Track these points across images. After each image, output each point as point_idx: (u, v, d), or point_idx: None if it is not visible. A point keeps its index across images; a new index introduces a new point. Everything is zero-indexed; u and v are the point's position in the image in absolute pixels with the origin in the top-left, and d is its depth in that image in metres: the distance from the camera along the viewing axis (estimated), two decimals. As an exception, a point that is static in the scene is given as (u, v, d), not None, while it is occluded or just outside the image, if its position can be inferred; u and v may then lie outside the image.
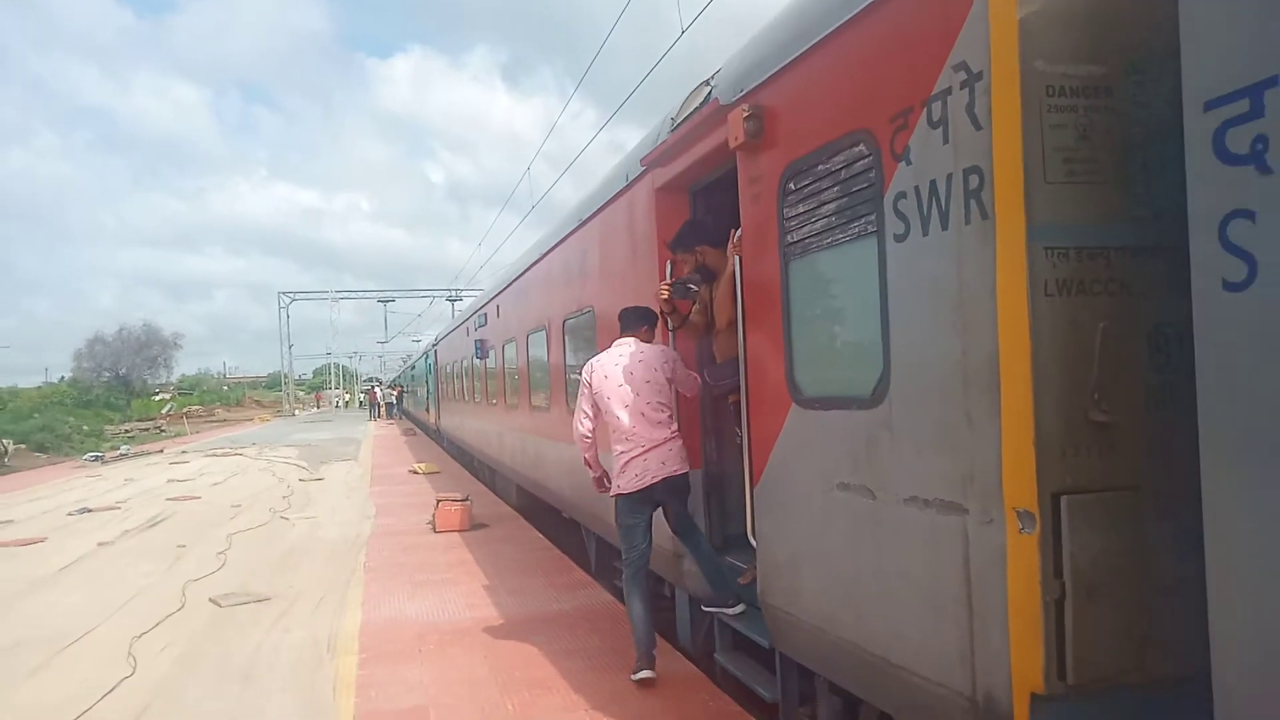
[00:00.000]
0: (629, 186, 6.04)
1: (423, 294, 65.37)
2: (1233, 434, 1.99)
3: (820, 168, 3.53)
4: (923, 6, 2.90)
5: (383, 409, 54.66)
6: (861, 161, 3.26)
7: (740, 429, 4.50)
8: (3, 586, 8.87)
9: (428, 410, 32.25)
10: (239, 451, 27.85)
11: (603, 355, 5.15)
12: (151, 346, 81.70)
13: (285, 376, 70.66)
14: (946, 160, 2.80)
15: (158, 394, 79.94)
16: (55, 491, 18.38)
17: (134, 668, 6.03)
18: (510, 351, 12.05)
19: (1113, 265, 2.54)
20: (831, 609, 3.57)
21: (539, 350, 9.75)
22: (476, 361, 15.26)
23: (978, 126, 2.66)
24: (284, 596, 7.88)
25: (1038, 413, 2.52)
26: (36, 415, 51.62)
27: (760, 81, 3.96)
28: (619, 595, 7.15)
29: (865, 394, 3.27)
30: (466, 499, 11.53)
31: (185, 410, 67.66)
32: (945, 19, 2.77)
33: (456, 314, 31.93)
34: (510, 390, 12.26)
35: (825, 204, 3.51)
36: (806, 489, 3.73)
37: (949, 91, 2.78)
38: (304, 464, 22.09)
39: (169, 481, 18.98)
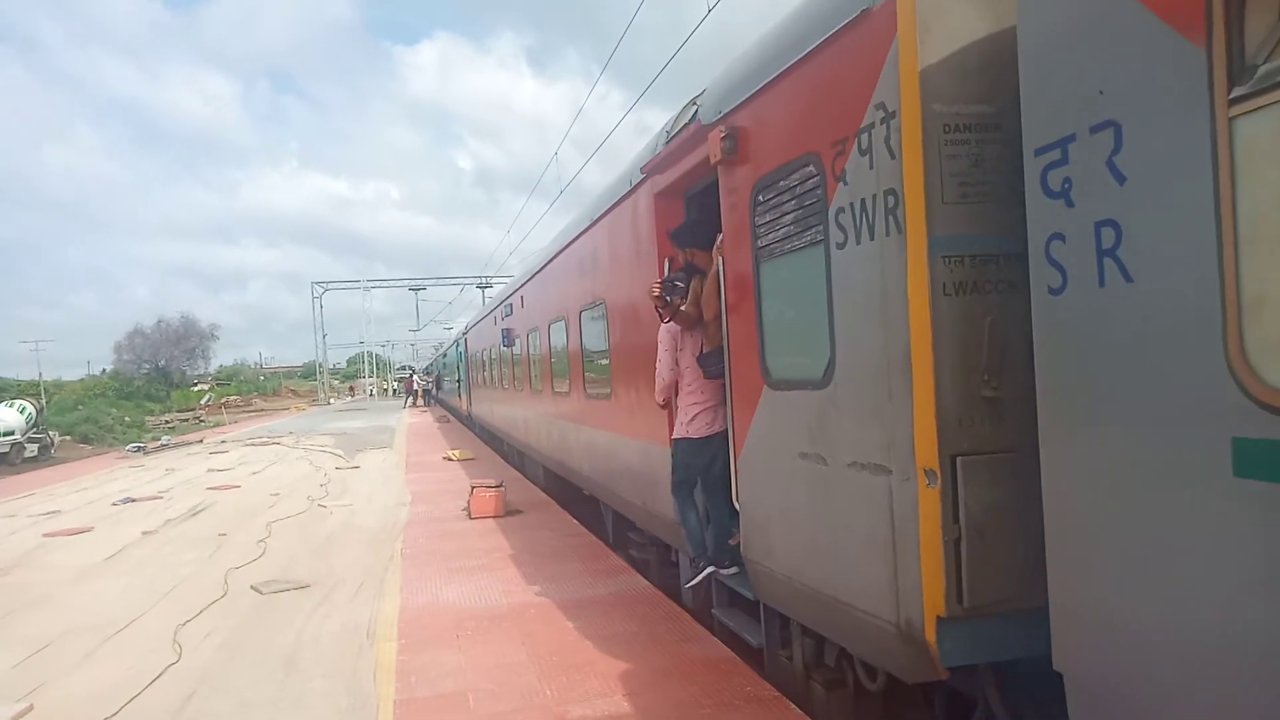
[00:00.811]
0: (632, 191, 6.72)
1: (453, 281, 66.61)
2: (1057, 405, 2.61)
3: (782, 183, 4.14)
4: (852, 53, 3.50)
5: (419, 396, 56.10)
6: (811, 180, 3.87)
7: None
8: (53, 575, 9.19)
9: (459, 397, 33.29)
10: (276, 441, 28.48)
11: None
12: (189, 338, 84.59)
13: (320, 366, 72.40)
14: (872, 182, 3.41)
15: (196, 385, 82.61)
16: (99, 482, 19.08)
17: (179, 654, 6.22)
18: (534, 340, 12.81)
19: (999, 269, 3.14)
20: (797, 560, 4.23)
21: (560, 339, 10.49)
22: (504, 349, 16.04)
23: (892, 156, 3.27)
24: (323, 583, 8.05)
25: (939, 390, 3.14)
26: (80, 407, 53.90)
27: (734, 106, 4.57)
28: (634, 565, 7.90)
29: (818, 377, 3.90)
30: (501, 485, 11.75)
31: (223, 400, 69.89)
32: (869, 64, 3.37)
33: (487, 300, 32.85)
34: (535, 376, 13.01)
35: (786, 215, 4.13)
36: (776, 458, 4.38)
37: (873, 126, 3.38)
38: (340, 452, 22.64)
39: (209, 471, 19.61)
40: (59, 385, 71.74)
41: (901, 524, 3.34)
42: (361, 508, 12.80)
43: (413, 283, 69.13)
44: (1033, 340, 2.69)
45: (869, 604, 3.60)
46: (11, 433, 37.03)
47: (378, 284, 71.16)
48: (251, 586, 8.05)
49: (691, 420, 5.58)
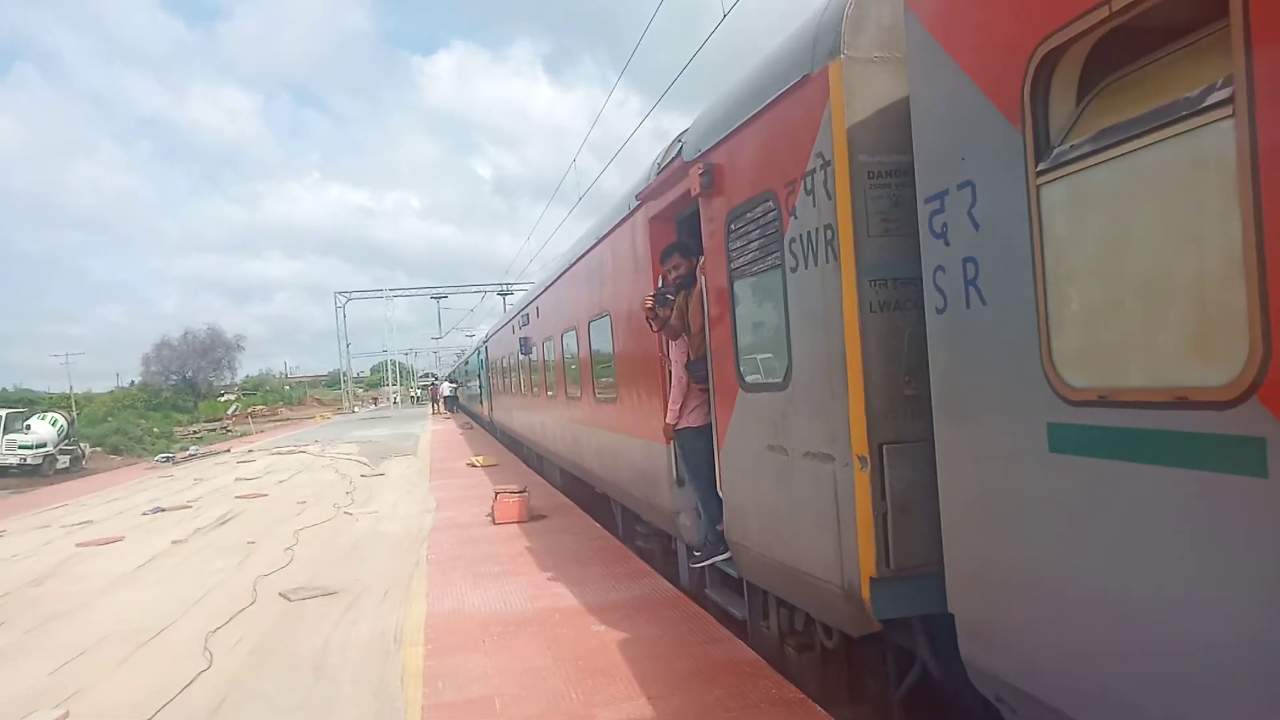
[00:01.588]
0: (629, 215, 7.56)
1: (474, 289, 67.98)
2: (943, 402, 3.34)
3: (749, 215, 4.90)
4: (798, 109, 4.25)
5: (443, 403, 57.44)
6: (771, 213, 4.63)
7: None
8: (86, 584, 9.47)
9: (481, 403, 34.33)
10: (302, 449, 29.22)
11: None
12: (215, 349, 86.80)
13: (344, 375, 73.97)
14: (814, 218, 4.15)
15: (223, 395, 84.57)
16: (130, 492, 19.69)
17: (210, 661, 6.38)
18: (549, 348, 13.69)
19: (915, 290, 3.83)
20: (768, 538, 4.98)
21: (571, 347, 11.36)
22: (521, 357, 16.93)
23: (829, 197, 4.01)
24: (350, 590, 8.25)
25: (868, 390, 3.88)
26: (110, 419, 55.50)
27: (711, 146, 5.35)
28: (641, 555, 8.68)
29: (780, 380, 4.66)
30: (524, 491, 11.96)
31: (250, 410, 71.55)
32: (811, 120, 4.12)
33: (508, 307, 33.85)
34: (550, 383, 13.87)
35: (752, 242, 4.89)
36: (749, 451, 5.13)
37: (815, 170, 4.13)
38: (365, 460, 23.22)
39: (237, 480, 20.20)
40: (89, 397, 74.03)
41: (843, 502, 4.08)
42: (387, 515, 13.16)
43: (434, 291, 70.63)
44: (929, 351, 3.42)
45: (821, 571, 4.33)
46: (44, 445, 38.28)
47: (400, 293, 72.86)
48: (280, 594, 8.28)
49: (691, 413, 6.36)
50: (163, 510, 15.36)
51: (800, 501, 4.52)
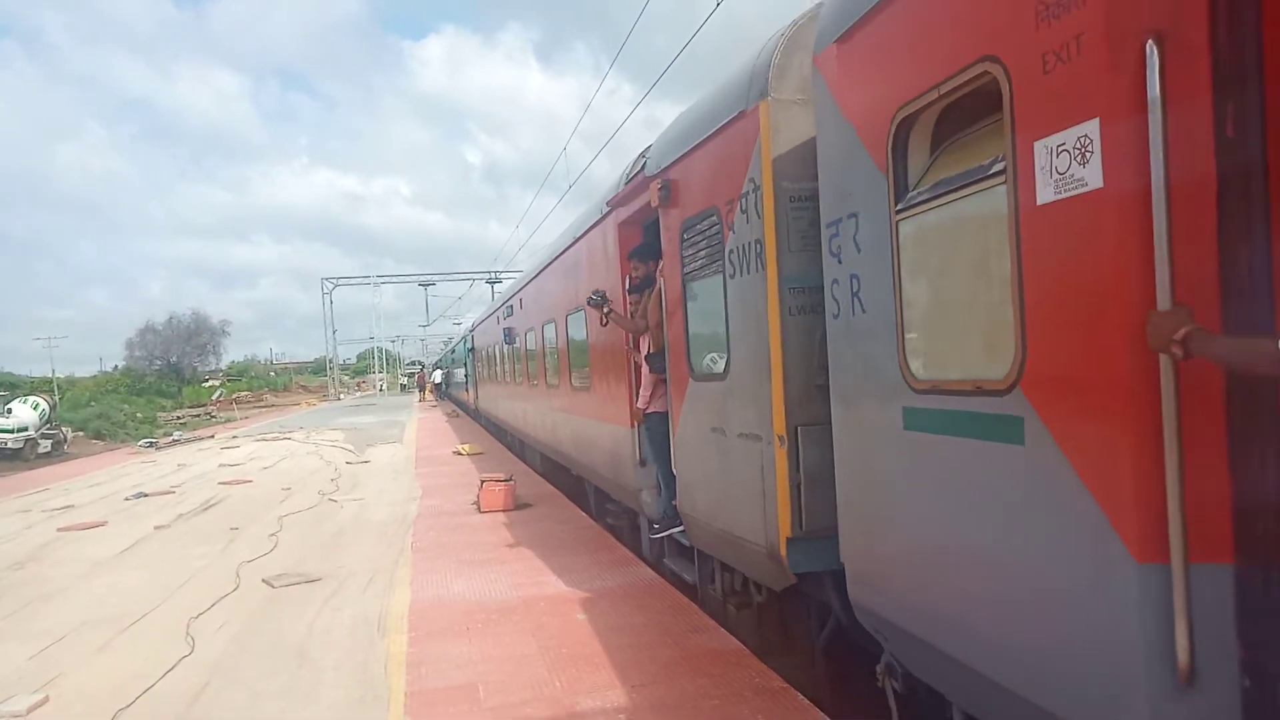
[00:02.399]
0: (601, 219, 8.44)
1: (463, 277, 68.62)
2: (837, 391, 4.18)
3: (698, 226, 5.73)
4: (736, 140, 5.07)
5: (431, 390, 58.38)
6: (715, 227, 5.46)
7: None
8: (68, 569, 9.54)
9: (467, 391, 35.25)
10: (287, 436, 29.51)
11: None
12: (200, 334, 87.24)
13: (330, 361, 74.57)
14: (747, 233, 4.98)
15: (207, 380, 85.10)
16: (112, 477, 19.80)
17: (193, 647, 6.46)
18: (530, 338, 14.60)
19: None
20: (711, 508, 5.82)
21: (551, 338, 12.26)
22: (505, 347, 17.78)
23: (759, 216, 4.84)
24: (334, 577, 8.38)
25: (786, 380, 4.72)
26: (93, 403, 56.02)
27: (668, 164, 6.19)
28: (612, 532, 9.54)
29: (721, 371, 5.49)
30: (510, 479, 12.19)
31: (234, 396, 72.11)
32: (745, 150, 4.94)
33: (496, 295, 34.71)
34: (531, 372, 14.79)
35: (701, 250, 5.72)
36: (697, 433, 5.98)
37: (748, 193, 4.95)
38: (350, 447, 23.56)
39: (221, 466, 20.47)
40: (71, 382, 74.56)
41: (767, 475, 4.92)
42: (372, 502, 13.37)
43: (422, 278, 71.22)
44: (828, 348, 4.27)
45: (751, 535, 5.18)
46: (25, 429, 38.77)
47: (387, 279, 73.33)
48: (263, 580, 8.42)
49: (656, 400, 7.25)
50: (146, 495, 15.57)
51: (736, 476, 5.36)
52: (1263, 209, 2.31)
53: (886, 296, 3.64)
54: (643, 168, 6.73)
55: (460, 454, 20.09)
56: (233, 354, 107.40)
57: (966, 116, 3.28)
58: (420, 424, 33.13)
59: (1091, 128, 2.49)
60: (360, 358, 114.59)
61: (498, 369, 21.07)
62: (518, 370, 16.78)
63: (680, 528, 7.04)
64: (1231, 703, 2.37)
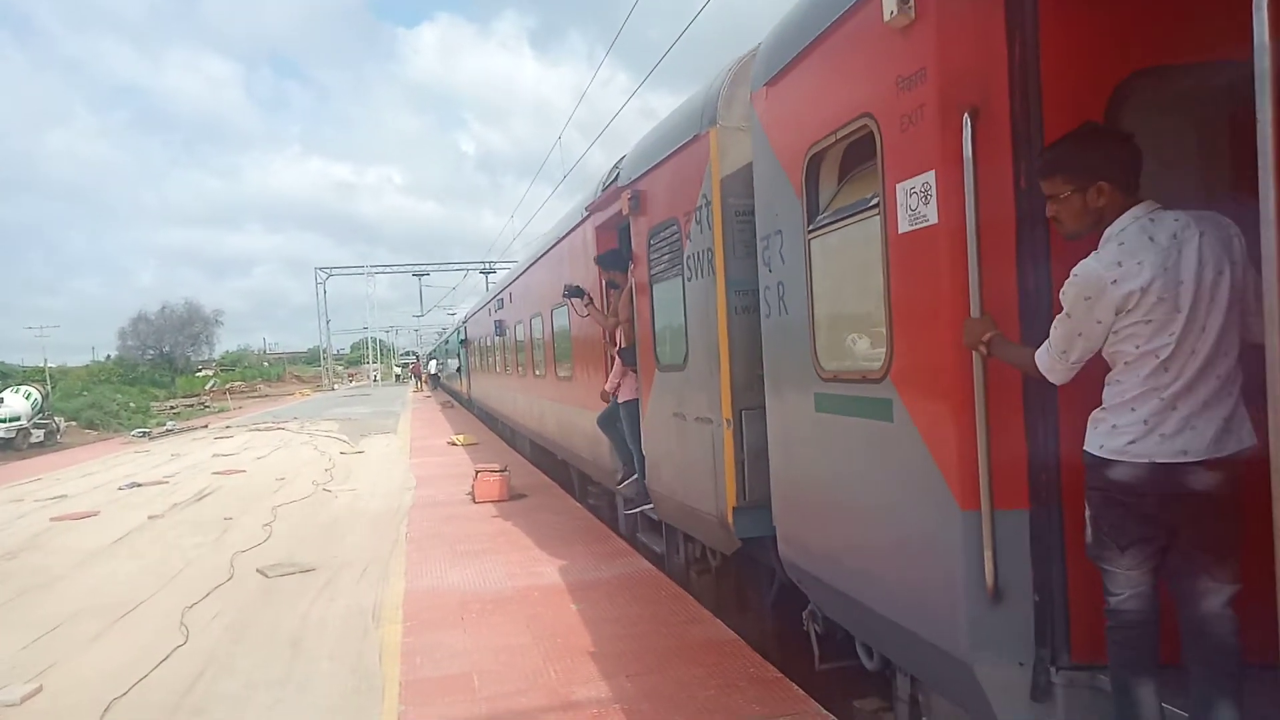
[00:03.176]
0: (581, 223, 9.27)
1: (457, 267, 69.28)
2: (770, 381, 5.00)
3: (662, 234, 6.55)
4: (691, 160, 5.89)
5: (426, 380, 59.36)
6: (675, 235, 6.27)
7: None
8: (61, 558, 9.61)
9: (460, 381, 36.12)
10: (281, 426, 29.85)
11: None
12: (194, 324, 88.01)
13: (324, 351, 75.28)
14: (700, 243, 5.80)
15: (201, 370, 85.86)
16: (105, 467, 20.01)
17: (187, 636, 6.52)
18: (519, 330, 15.49)
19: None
20: (673, 484, 6.66)
21: (538, 330, 13.13)
22: (496, 338, 18.64)
23: (710, 228, 5.65)
24: (328, 567, 8.48)
25: (733, 370, 5.55)
26: (85, 393, 56.76)
27: (637, 176, 7.01)
28: (594, 512, 10.39)
29: (680, 362, 6.32)
30: (505, 470, 12.48)
31: (228, 386, 72.86)
32: (699, 169, 5.75)
33: (490, 286, 35.51)
34: (520, 362, 15.70)
35: (664, 255, 6.54)
36: (661, 418, 6.83)
37: (701, 207, 5.76)
38: (344, 437, 23.90)
39: (214, 456, 20.72)
40: (64, 371, 75.26)
41: (717, 453, 5.75)
42: (366, 492, 13.55)
43: (416, 268, 71.89)
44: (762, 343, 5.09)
45: (705, 506, 6.01)
46: (18, 418, 39.58)
47: (381, 269, 74.35)
48: (257, 570, 8.50)
49: (630, 388, 8.03)
50: (139, 485, 15.69)
51: (692, 455, 6.19)
52: (1044, 244, 3.14)
53: (802, 301, 4.44)
54: (617, 177, 7.54)
55: (455, 444, 20.52)
56: (226, 344, 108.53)
57: (863, 156, 4.08)
58: (414, 414, 33.65)
59: (930, 176, 3.31)
60: (354, 348, 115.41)
61: (489, 359, 22.02)
62: (507, 361, 17.74)
63: (649, 505, 7.87)
64: (1026, 613, 3.21)
